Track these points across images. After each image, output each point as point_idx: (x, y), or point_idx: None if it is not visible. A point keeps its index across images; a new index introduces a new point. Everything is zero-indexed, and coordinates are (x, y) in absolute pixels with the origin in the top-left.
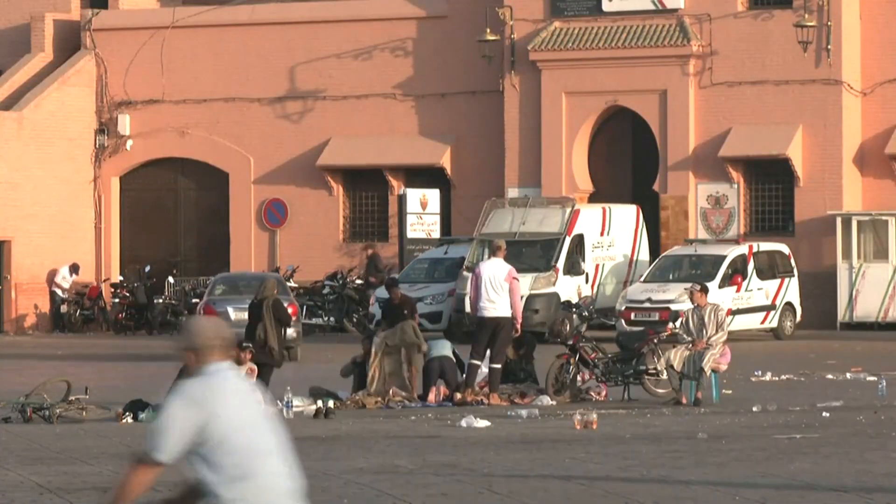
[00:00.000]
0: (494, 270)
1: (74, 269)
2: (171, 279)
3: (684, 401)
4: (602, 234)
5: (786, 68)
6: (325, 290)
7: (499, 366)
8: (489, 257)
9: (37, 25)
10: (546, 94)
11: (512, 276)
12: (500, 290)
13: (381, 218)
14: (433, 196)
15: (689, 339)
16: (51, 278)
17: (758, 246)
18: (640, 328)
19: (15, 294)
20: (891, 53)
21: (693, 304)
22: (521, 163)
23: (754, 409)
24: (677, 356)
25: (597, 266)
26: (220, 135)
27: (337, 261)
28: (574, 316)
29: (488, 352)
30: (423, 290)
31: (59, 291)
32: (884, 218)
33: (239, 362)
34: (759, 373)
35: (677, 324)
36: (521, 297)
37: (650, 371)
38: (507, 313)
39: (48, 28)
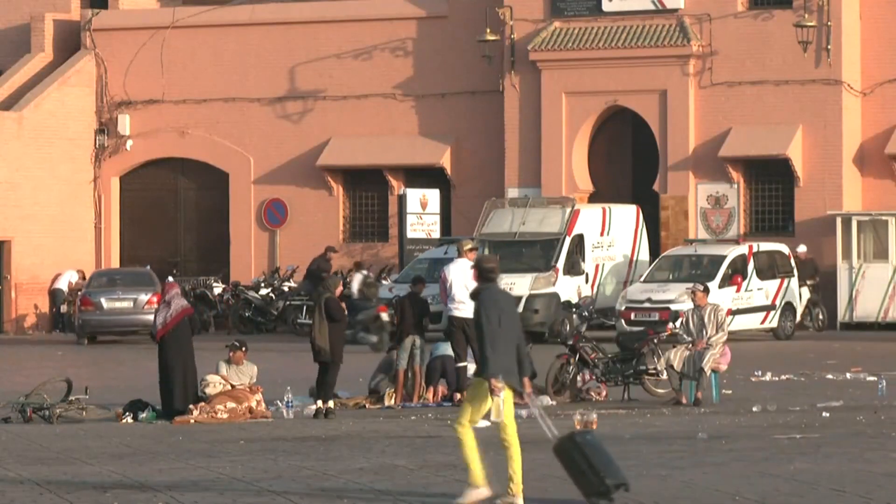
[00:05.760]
0: (461, 271)
1: (81, 275)
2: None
3: (684, 401)
4: (602, 234)
5: (786, 68)
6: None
7: None
8: (457, 258)
9: (37, 25)
10: (546, 94)
11: None
12: (469, 290)
13: (381, 218)
14: (433, 196)
15: (689, 339)
16: (56, 280)
17: (758, 246)
18: (640, 328)
19: (15, 294)
20: (891, 53)
21: (693, 304)
22: (521, 163)
23: (754, 409)
24: (677, 356)
25: (597, 266)
26: (220, 135)
27: (337, 261)
28: (574, 316)
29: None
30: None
31: (64, 289)
32: (884, 218)
33: (233, 362)
34: (759, 373)
35: (677, 324)
36: (521, 298)
37: (650, 371)
38: None
39: (48, 28)
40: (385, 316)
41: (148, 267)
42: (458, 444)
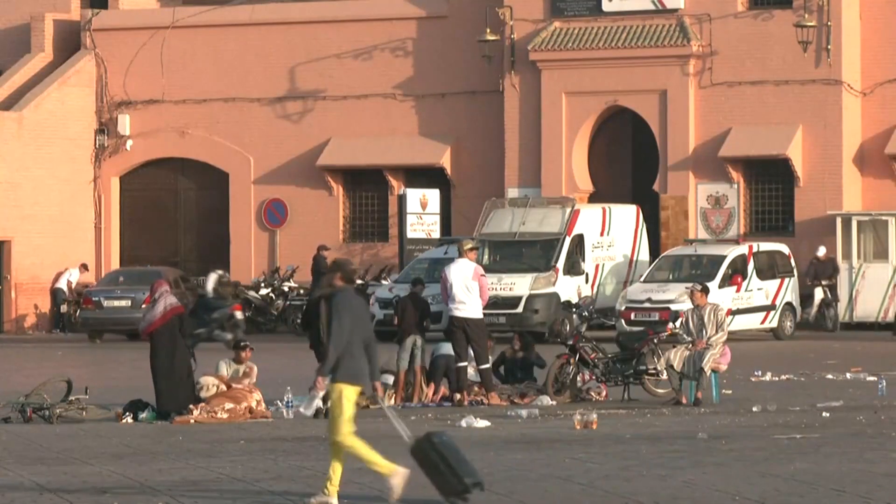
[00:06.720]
0: (461, 271)
1: (84, 268)
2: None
3: (684, 401)
4: (602, 234)
5: (786, 68)
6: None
7: (487, 366)
8: (457, 258)
9: (37, 25)
10: (546, 94)
11: (479, 273)
12: (469, 290)
13: (381, 218)
14: (433, 196)
15: (689, 339)
16: (58, 278)
17: (758, 246)
18: (640, 328)
19: (15, 294)
20: (891, 53)
21: (693, 304)
22: (521, 163)
23: (754, 409)
24: (677, 356)
25: (597, 266)
26: (220, 135)
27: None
28: (574, 316)
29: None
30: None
31: (65, 289)
32: (884, 218)
33: (238, 362)
34: (759, 373)
35: (677, 324)
36: (521, 298)
37: (650, 371)
38: (477, 314)
39: (48, 28)
40: (239, 314)
41: (148, 266)
42: (352, 454)
